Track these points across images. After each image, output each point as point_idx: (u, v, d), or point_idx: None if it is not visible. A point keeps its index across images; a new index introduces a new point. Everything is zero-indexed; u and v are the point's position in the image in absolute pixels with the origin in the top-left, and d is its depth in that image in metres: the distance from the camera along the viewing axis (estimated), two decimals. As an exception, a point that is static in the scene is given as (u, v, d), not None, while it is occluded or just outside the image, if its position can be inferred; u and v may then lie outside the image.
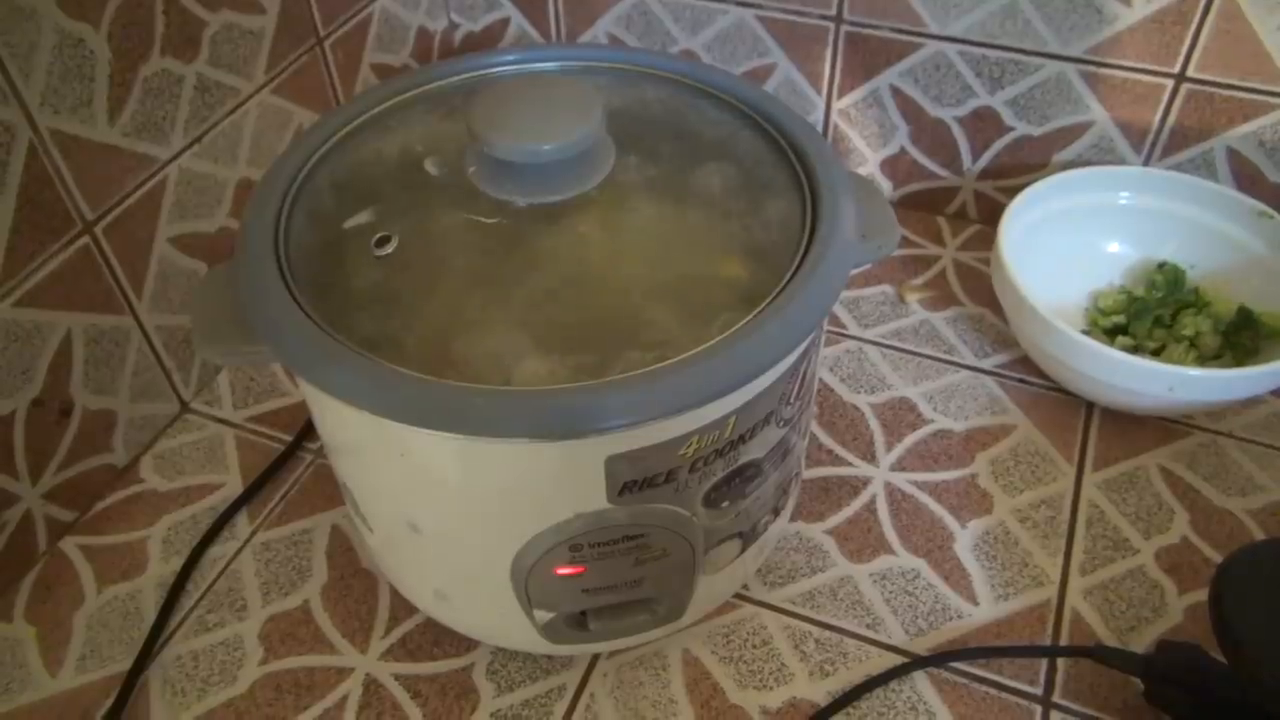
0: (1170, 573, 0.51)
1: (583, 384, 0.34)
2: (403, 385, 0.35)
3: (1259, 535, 0.53)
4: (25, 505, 0.51)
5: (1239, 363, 0.57)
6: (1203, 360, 0.58)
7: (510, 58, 0.49)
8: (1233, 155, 0.63)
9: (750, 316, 0.36)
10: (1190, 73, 0.60)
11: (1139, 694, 0.46)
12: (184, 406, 0.60)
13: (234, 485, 0.56)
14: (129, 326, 0.55)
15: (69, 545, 0.54)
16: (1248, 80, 0.59)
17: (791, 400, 0.41)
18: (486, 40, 0.78)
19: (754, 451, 0.40)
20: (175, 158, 0.55)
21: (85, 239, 0.51)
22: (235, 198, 0.60)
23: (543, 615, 0.43)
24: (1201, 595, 0.50)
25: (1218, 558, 0.52)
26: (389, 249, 0.39)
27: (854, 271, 0.48)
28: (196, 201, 0.57)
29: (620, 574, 0.41)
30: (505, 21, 0.76)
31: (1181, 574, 0.51)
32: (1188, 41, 0.59)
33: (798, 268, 0.38)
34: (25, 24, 0.45)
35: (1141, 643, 0.48)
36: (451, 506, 0.40)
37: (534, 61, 0.49)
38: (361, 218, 0.41)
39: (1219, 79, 0.60)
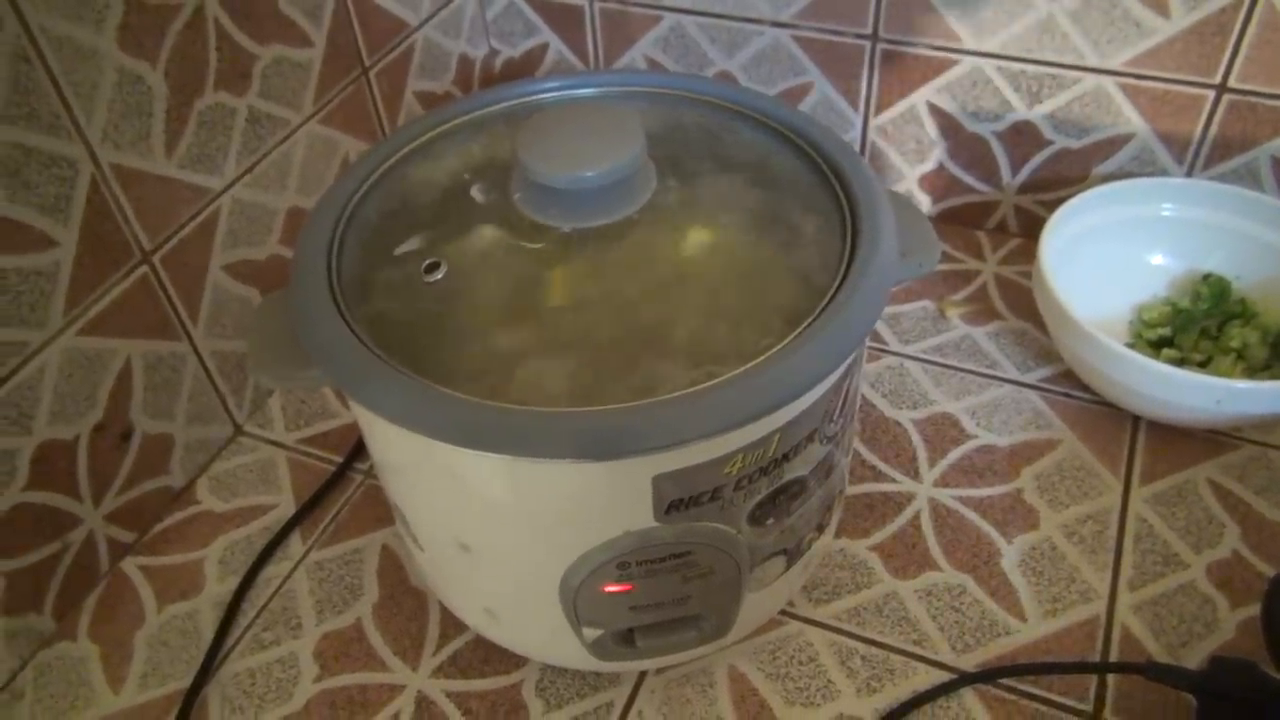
0: (1221, 587, 0.51)
1: (629, 404, 0.35)
2: (452, 407, 0.35)
3: (1313, 549, 0.52)
4: (88, 527, 0.53)
5: (1288, 374, 0.57)
6: (1251, 372, 0.58)
7: (552, 84, 0.50)
8: (1277, 165, 0.62)
9: (792, 336, 0.37)
10: (1232, 83, 0.60)
11: (1192, 711, 0.45)
12: (237, 429, 0.62)
13: (287, 506, 0.58)
14: (185, 352, 0.57)
15: (129, 566, 0.55)
16: (1291, 89, 0.59)
17: (834, 418, 0.41)
18: (526, 66, 0.80)
19: (798, 469, 0.41)
20: (228, 188, 0.57)
21: (144, 268, 0.53)
22: (285, 225, 0.62)
23: (591, 633, 0.43)
24: (1254, 610, 0.49)
25: (1270, 572, 0.51)
26: (438, 275, 0.40)
27: (897, 287, 0.48)
28: (248, 230, 0.59)
29: (667, 591, 0.41)
30: (544, 47, 0.78)
31: (1233, 588, 0.50)
32: (1229, 52, 0.59)
33: (839, 287, 0.38)
34: (87, 63, 0.47)
35: (1193, 659, 0.48)
36: (501, 526, 0.40)
37: (575, 88, 0.50)
38: (411, 244, 0.42)
39: (1262, 89, 0.60)
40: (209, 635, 0.52)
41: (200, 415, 0.59)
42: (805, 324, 0.37)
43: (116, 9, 0.48)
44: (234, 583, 0.54)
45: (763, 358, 0.36)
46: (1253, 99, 0.60)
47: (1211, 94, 0.61)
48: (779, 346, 0.36)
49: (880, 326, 0.66)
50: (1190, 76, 0.61)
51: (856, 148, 0.73)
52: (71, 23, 0.46)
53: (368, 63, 0.66)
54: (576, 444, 0.35)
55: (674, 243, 0.41)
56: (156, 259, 0.53)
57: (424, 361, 0.37)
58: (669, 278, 0.40)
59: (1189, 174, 0.65)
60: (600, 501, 0.38)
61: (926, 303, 0.67)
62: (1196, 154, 0.64)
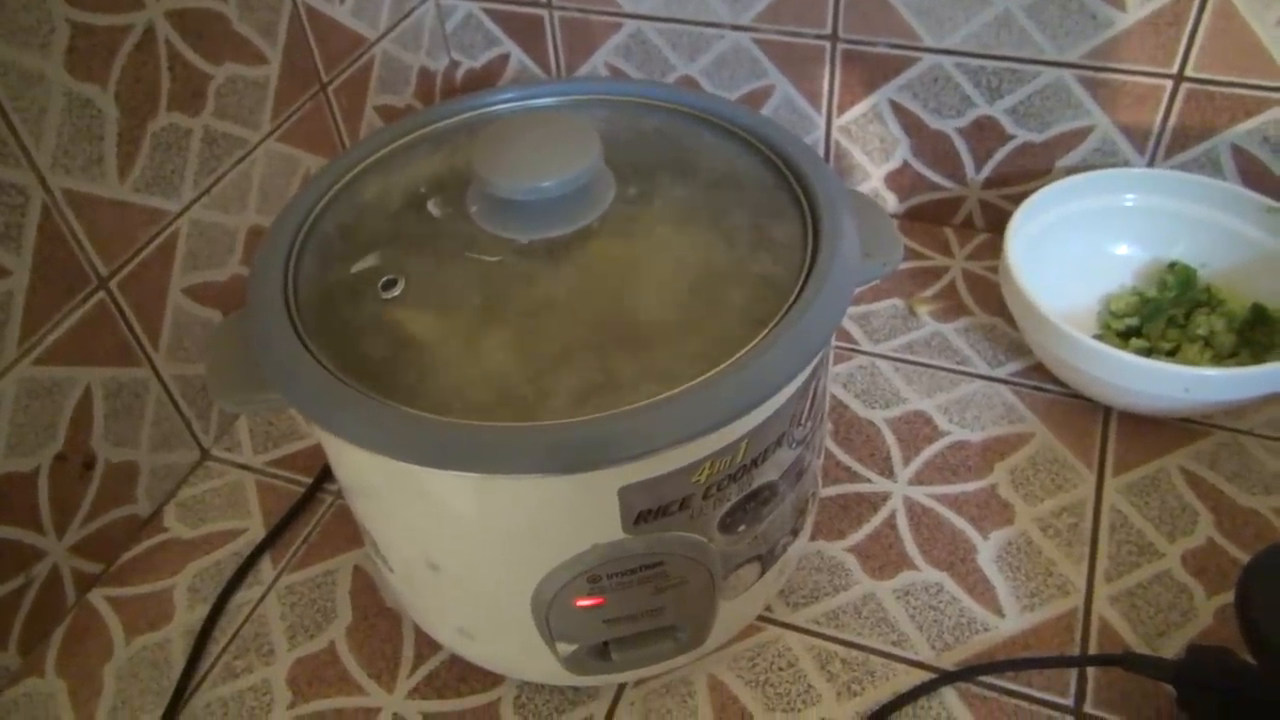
0: (1197, 575, 0.51)
1: (592, 416, 0.34)
2: (414, 426, 0.35)
3: (1286, 533, 0.52)
4: (52, 560, 0.52)
5: (1256, 359, 0.57)
6: (1219, 359, 0.58)
7: (509, 95, 0.49)
8: (1237, 152, 0.62)
9: (755, 342, 0.36)
10: (1189, 72, 0.60)
11: (1172, 700, 0.45)
12: (204, 454, 0.61)
13: (256, 530, 0.57)
14: (147, 378, 0.56)
15: (96, 597, 0.54)
16: (1247, 77, 0.59)
17: (803, 421, 0.41)
18: (488, 77, 0.79)
19: (768, 474, 0.40)
20: (186, 210, 0.56)
21: (101, 294, 0.52)
22: (246, 245, 0.61)
23: (565, 648, 0.43)
24: (1230, 597, 0.49)
25: (1244, 558, 0.51)
26: (396, 291, 0.39)
27: (862, 287, 0.48)
28: (208, 251, 0.58)
29: (640, 603, 0.41)
30: (505, 57, 0.77)
31: (1209, 576, 0.51)
32: (1184, 41, 0.59)
33: (801, 290, 0.38)
34: (34, 88, 0.46)
35: (1172, 648, 0.48)
36: (469, 544, 0.40)
37: (532, 98, 0.49)
38: (368, 261, 0.41)
39: (1218, 77, 0.60)
40: (180, 665, 0.51)
41: (165, 441, 0.58)
42: (768, 328, 0.37)
43: (63, 32, 0.47)
44: (204, 611, 0.53)
45: (726, 364, 0.36)
46: (1210, 88, 0.60)
47: (1169, 84, 0.61)
48: (742, 352, 0.36)
49: (850, 326, 0.66)
50: (1148, 67, 0.61)
51: (820, 148, 0.73)
52: (15, 48, 0.45)
53: (326, 78, 0.65)
54: (540, 459, 0.34)
55: (634, 250, 0.41)
56: (113, 284, 0.52)
57: (383, 379, 0.37)
58: (630, 286, 0.40)
59: (1150, 164, 0.65)
60: (567, 515, 0.37)
61: (896, 301, 0.67)
62: (1157, 144, 0.64)
